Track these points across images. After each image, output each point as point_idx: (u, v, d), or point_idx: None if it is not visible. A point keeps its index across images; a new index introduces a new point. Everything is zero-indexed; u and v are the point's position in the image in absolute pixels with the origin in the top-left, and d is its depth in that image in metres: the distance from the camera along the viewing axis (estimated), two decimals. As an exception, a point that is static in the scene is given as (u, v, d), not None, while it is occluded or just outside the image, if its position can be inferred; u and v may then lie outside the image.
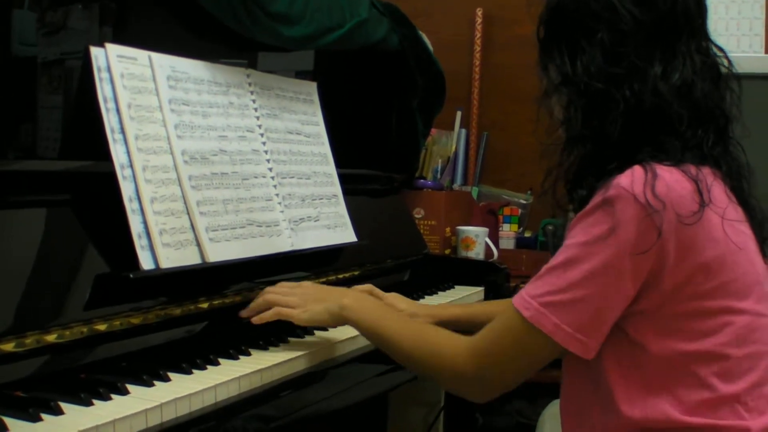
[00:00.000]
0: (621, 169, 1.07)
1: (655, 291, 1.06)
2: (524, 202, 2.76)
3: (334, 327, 1.41)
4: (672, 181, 1.05)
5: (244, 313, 1.38)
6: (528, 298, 1.09)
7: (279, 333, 1.40)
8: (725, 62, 1.17)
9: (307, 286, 1.44)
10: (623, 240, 1.03)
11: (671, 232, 1.03)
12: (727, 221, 1.08)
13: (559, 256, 1.09)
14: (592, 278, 1.05)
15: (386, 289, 1.80)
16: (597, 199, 1.07)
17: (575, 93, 1.14)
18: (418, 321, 1.43)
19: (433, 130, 2.66)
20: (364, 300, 1.37)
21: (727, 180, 1.13)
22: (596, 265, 1.05)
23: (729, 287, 1.08)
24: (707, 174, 1.10)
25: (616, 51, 1.12)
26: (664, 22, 1.12)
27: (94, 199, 1.30)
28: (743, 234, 1.12)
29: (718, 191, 1.10)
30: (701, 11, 1.17)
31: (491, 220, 2.53)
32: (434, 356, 1.21)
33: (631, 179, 1.05)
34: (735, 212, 1.12)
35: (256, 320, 1.34)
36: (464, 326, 1.60)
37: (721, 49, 1.18)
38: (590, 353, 1.08)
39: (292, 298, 1.36)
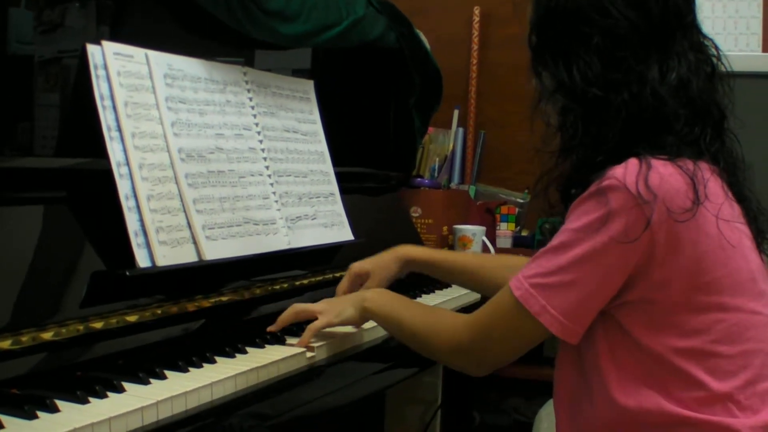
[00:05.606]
0: (617, 161, 1.08)
1: (644, 283, 1.07)
2: (521, 200, 2.76)
3: (362, 324, 1.45)
4: (666, 174, 1.06)
5: (272, 328, 1.39)
6: (522, 278, 1.11)
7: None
8: (715, 53, 1.17)
9: (327, 299, 1.47)
10: (613, 230, 1.05)
11: (661, 224, 1.04)
12: (722, 217, 1.08)
13: (555, 240, 1.11)
14: (580, 264, 1.07)
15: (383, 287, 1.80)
16: (592, 188, 1.08)
17: (572, 100, 1.14)
18: (428, 305, 1.50)
19: (431, 129, 2.66)
20: (384, 292, 1.43)
21: (724, 175, 1.14)
22: (585, 251, 1.06)
23: (721, 283, 1.08)
24: (704, 169, 1.09)
25: (614, 56, 1.11)
26: (657, 23, 1.12)
27: (90, 197, 1.30)
28: (738, 230, 1.12)
29: (715, 186, 1.10)
30: (691, 6, 1.17)
31: (488, 218, 2.53)
32: (437, 330, 1.25)
33: (624, 170, 1.06)
34: (731, 208, 1.12)
35: (301, 343, 1.35)
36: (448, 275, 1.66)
37: (710, 40, 1.18)
38: (574, 338, 1.10)
39: (318, 306, 1.41)
